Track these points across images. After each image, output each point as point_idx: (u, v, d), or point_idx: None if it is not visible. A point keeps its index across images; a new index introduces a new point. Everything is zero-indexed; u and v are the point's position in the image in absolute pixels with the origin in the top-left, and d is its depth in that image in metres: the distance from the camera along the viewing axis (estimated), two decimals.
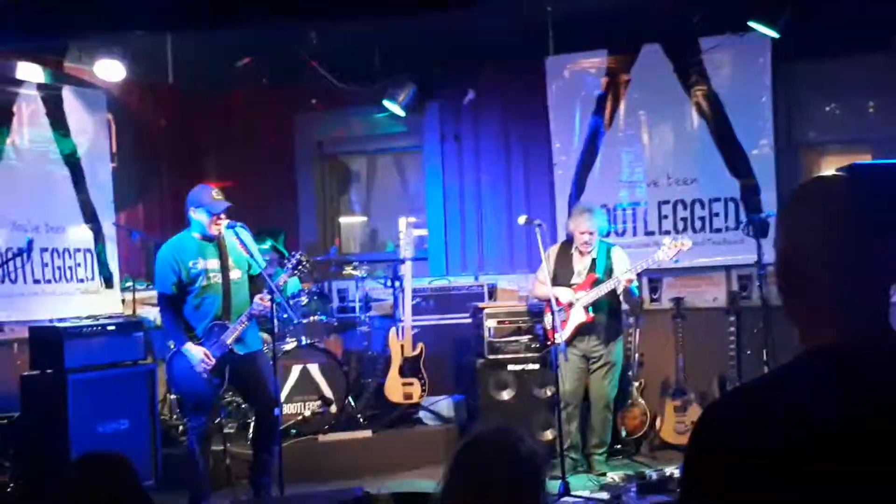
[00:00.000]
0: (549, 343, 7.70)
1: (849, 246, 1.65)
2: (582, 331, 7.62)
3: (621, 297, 7.72)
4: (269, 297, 6.55)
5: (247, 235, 6.77)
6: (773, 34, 8.27)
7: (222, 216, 6.66)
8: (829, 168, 8.75)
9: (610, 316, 7.71)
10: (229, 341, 6.62)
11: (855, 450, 1.53)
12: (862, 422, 1.55)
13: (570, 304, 7.55)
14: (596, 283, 7.57)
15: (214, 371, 6.62)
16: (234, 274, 6.77)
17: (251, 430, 7.33)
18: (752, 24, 8.27)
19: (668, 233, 8.54)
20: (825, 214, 1.68)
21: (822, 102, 8.92)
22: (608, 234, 8.66)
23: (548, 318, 7.70)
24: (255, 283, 6.88)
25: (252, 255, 6.71)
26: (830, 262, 1.66)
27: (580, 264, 7.72)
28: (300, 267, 6.72)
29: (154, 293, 8.67)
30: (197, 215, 6.69)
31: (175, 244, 6.77)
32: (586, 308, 7.55)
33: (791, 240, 1.72)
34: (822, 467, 1.53)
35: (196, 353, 6.56)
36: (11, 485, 6.84)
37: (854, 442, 1.54)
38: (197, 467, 6.75)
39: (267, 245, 8.90)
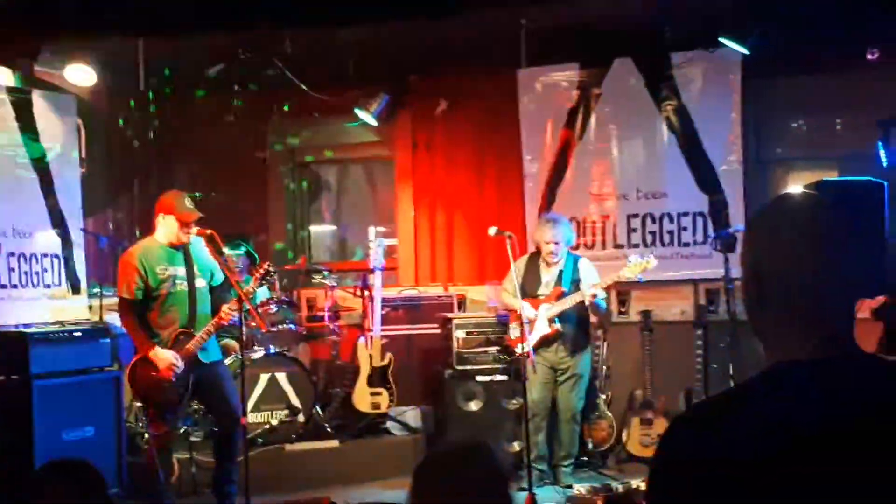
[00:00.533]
0: (513, 354, 7.72)
1: (818, 261, 1.67)
2: (549, 342, 7.64)
3: (589, 310, 7.75)
4: (236, 305, 6.53)
5: (217, 244, 6.74)
6: (743, 51, 8.35)
7: (192, 226, 6.63)
8: (796, 184, 8.86)
9: (577, 328, 7.74)
10: (192, 347, 6.58)
11: (822, 461, 1.55)
12: (830, 434, 1.57)
13: (534, 319, 7.56)
14: (562, 295, 7.59)
15: (180, 379, 6.58)
16: (200, 282, 6.74)
17: (213, 443, 7.28)
18: (722, 39, 8.35)
19: (636, 246, 8.62)
20: (795, 230, 1.70)
21: (789, 119, 9.03)
22: (577, 247, 8.70)
23: (513, 329, 7.72)
24: (216, 292, 6.85)
25: (224, 264, 6.66)
26: (800, 277, 1.67)
27: (548, 275, 7.75)
28: (268, 277, 6.70)
29: None
30: (166, 222, 6.65)
31: (142, 249, 6.71)
32: (551, 320, 7.57)
33: (760, 255, 1.73)
34: (788, 479, 1.54)
35: (164, 356, 6.51)
36: None
37: (821, 454, 1.55)
38: (157, 476, 6.70)
39: (241, 250, 8.87)
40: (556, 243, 7.65)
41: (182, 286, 6.66)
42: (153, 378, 6.54)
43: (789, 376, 1.65)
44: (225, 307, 6.61)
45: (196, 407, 7.99)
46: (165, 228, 6.65)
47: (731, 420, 1.63)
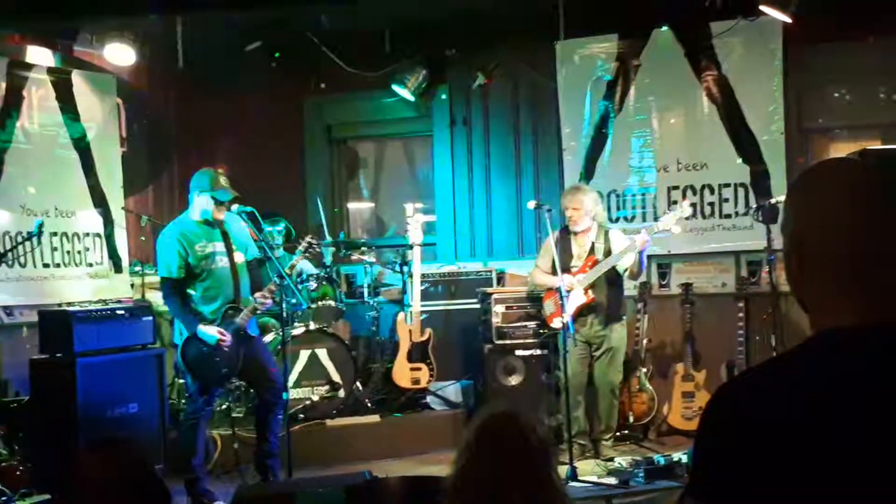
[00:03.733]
0: (551, 328, 7.70)
1: (861, 226, 1.63)
2: (584, 314, 7.60)
3: (626, 275, 7.66)
4: (269, 293, 6.60)
5: (257, 221, 6.78)
6: (785, 18, 8.22)
7: (226, 206, 6.65)
8: (838, 153, 8.74)
9: (611, 301, 7.69)
10: (241, 321, 6.62)
11: (866, 428, 1.53)
12: (874, 400, 1.54)
13: (570, 289, 7.53)
14: (595, 264, 7.55)
15: (231, 354, 6.62)
16: (238, 257, 6.78)
17: (255, 417, 7.34)
18: (763, 8, 8.22)
19: (677, 229, 8.47)
20: (842, 195, 1.67)
21: (831, 88, 8.88)
22: (617, 220, 8.65)
23: (547, 305, 7.70)
24: (249, 267, 6.89)
25: (261, 240, 6.69)
26: (842, 243, 1.64)
27: (578, 248, 7.70)
28: (311, 249, 6.73)
29: None
30: (201, 199, 6.67)
31: (180, 227, 6.74)
32: (586, 289, 7.54)
33: (806, 221, 1.70)
34: (833, 444, 1.53)
35: (212, 332, 6.56)
36: (21, 468, 6.86)
37: (866, 420, 1.53)
38: (193, 451, 6.77)
39: (281, 226, 8.92)
40: (577, 209, 7.60)
41: (223, 262, 6.69)
42: (205, 354, 6.58)
43: (834, 343, 1.62)
44: (257, 295, 6.64)
45: (238, 384, 8.06)
46: (201, 206, 6.67)
47: (778, 385, 1.61)
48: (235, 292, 6.72)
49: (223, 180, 6.70)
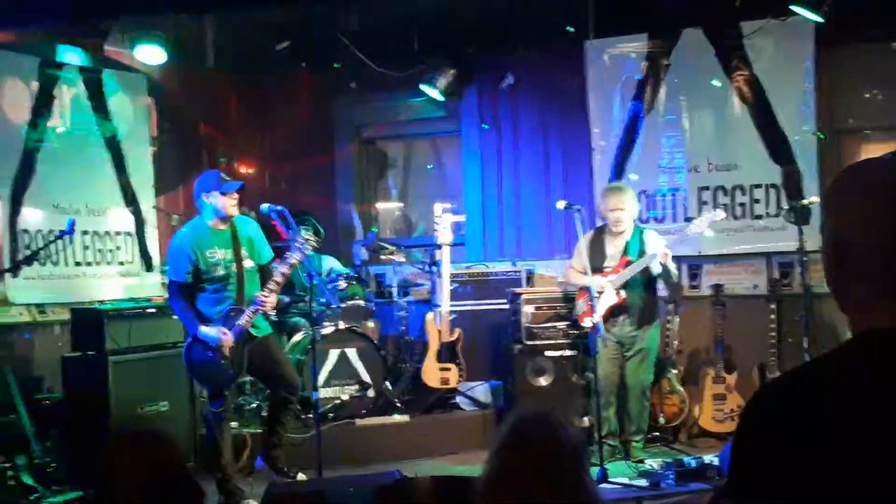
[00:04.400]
0: (581, 328, 7.65)
1: None
2: (616, 314, 7.57)
3: (660, 280, 7.64)
4: (269, 291, 6.62)
5: (287, 219, 6.79)
6: (817, 18, 8.16)
7: (235, 194, 6.67)
8: (870, 154, 8.65)
9: (645, 302, 7.65)
10: (243, 322, 6.64)
11: None
12: None
13: (601, 290, 7.50)
14: (627, 265, 7.52)
15: (235, 355, 6.65)
16: (247, 263, 6.80)
17: (267, 411, 7.43)
18: (794, 8, 8.17)
19: (710, 232, 8.37)
20: (879, 196, 1.65)
21: (864, 88, 8.81)
22: (646, 221, 8.61)
23: (579, 305, 7.68)
24: (264, 270, 6.91)
25: (295, 239, 6.68)
26: (881, 244, 1.62)
27: (612, 248, 7.67)
28: (305, 248, 6.69)
29: None
30: (210, 199, 6.66)
31: (191, 232, 6.76)
32: (618, 290, 7.51)
33: (843, 222, 1.68)
34: (872, 448, 1.51)
35: (212, 332, 6.59)
36: (53, 465, 6.91)
37: None
38: (219, 451, 6.80)
39: (309, 226, 8.92)
40: (622, 209, 7.57)
41: (232, 267, 6.72)
42: (208, 358, 6.62)
43: (872, 346, 1.60)
44: (258, 294, 6.68)
45: (248, 380, 8.09)
46: (210, 207, 6.69)
47: (816, 388, 1.61)
48: (239, 296, 6.72)
49: (223, 175, 6.75)
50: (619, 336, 7.62)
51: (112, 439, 3.34)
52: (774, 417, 1.63)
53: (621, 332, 7.62)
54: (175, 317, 7.05)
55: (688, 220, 8.74)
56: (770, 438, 1.61)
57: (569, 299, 8.19)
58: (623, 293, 7.50)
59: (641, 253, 7.55)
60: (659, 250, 7.33)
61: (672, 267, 7.47)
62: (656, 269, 7.44)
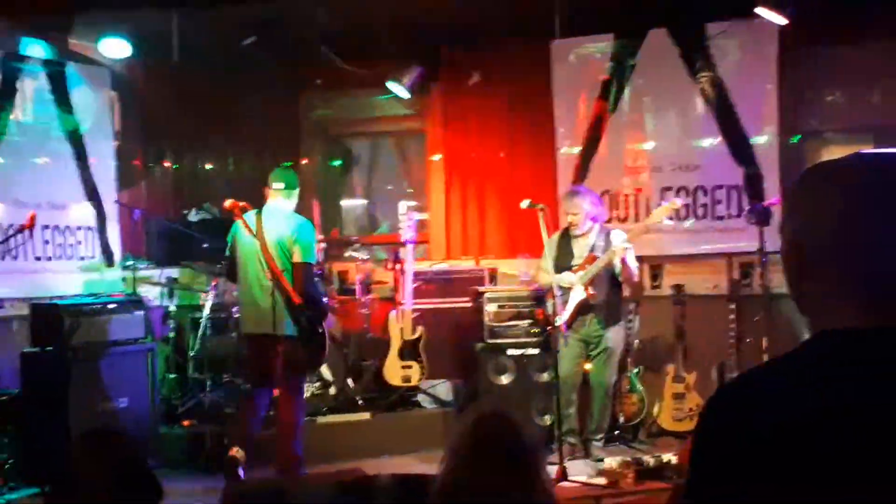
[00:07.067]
0: (549, 329, 7.67)
1: (871, 225, 1.62)
2: (583, 312, 7.60)
3: (620, 278, 7.68)
4: None
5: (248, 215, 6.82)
6: (781, 21, 8.23)
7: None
8: (832, 156, 8.73)
9: (611, 301, 7.70)
10: None
11: (868, 432, 1.52)
12: (876, 405, 1.53)
13: (570, 286, 7.55)
14: (593, 261, 7.57)
15: None
16: None
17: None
18: (758, 10, 8.23)
19: (670, 219, 8.43)
20: (843, 195, 1.65)
21: (826, 90, 8.89)
22: (610, 220, 8.65)
23: (549, 304, 7.71)
24: None
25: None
26: (842, 245, 1.63)
27: (579, 248, 7.72)
28: None
29: (153, 272, 8.73)
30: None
31: None
32: (586, 285, 7.55)
33: (804, 223, 1.69)
34: (834, 449, 1.52)
35: None
36: (10, 461, 6.85)
37: (867, 425, 1.52)
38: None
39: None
40: (576, 214, 7.63)
41: None
42: None
43: (834, 346, 1.61)
44: None
45: (230, 378, 8.07)
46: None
47: (777, 388, 1.60)
48: None
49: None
50: (584, 335, 7.66)
51: (74, 438, 3.33)
52: (733, 417, 1.62)
53: (587, 330, 7.65)
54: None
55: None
56: (729, 438, 1.61)
57: (532, 298, 8.21)
58: (591, 289, 7.54)
59: (607, 251, 7.60)
60: (618, 246, 7.38)
61: (633, 263, 7.50)
62: (617, 265, 7.48)
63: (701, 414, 1.70)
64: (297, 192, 7.21)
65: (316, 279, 7.21)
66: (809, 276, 1.69)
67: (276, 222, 6.94)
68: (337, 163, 10.84)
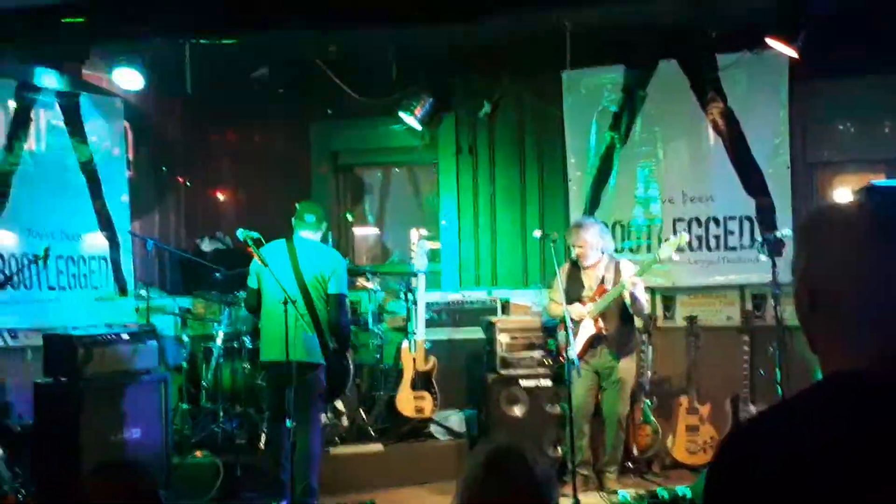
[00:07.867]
0: (560, 359, 7.66)
1: (871, 269, 1.63)
2: (595, 345, 7.60)
3: (631, 310, 7.66)
4: None
5: (261, 245, 6.86)
6: (791, 53, 8.25)
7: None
8: (843, 187, 8.75)
9: (623, 332, 7.69)
10: None
11: (880, 476, 1.52)
12: (888, 449, 1.53)
13: (581, 318, 7.55)
14: (604, 294, 7.56)
15: None
16: None
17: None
18: (769, 41, 8.25)
19: (681, 251, 8.40)
20: (851, 236, 1.65)
21: (836, 121, 8.91)
22: (621, 251, 8.65)
23: (561, 336, 7.70)
24: None
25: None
26: (853, 287, 1.63)
27: (589, 279, 7.71)
28: None
29: (166, 302, 8.75)
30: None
31: None
32: (596, 319, 7.54)
33: (815, 263, 1.69)
34: (846, 492, 1.51)
35: None
36: (23, 492, 6.84)
37: (879, 469, 1.52)
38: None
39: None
40: (581, 246, 7.63)
41: None
42: None
43: (847, 387, 1.61)
44: None
45: (242, 409, 8.06)
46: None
47: (790, 431, 1.60)
48: None
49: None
50: (596, 366, 7.65)
51: (90, 470, 3.34)
52: (744, 451, 1.63)
53: (599, 362, 7.64)
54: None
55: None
56: (740, 471, 1.61)
57: (544, 329, 8.20)
58: (601, 322, 7.54)
59: (617, 283, 7.59)
60: (627, 279, 7.38)
61: (642, 296, 7.49)
62: (627, 298, 7.47)
63: (715, 455, 1.70)
64: (325, 225, 7.41)
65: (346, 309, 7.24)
66: (819, 316, 1.69)
67: (309, 254, 7.07)
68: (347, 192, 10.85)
